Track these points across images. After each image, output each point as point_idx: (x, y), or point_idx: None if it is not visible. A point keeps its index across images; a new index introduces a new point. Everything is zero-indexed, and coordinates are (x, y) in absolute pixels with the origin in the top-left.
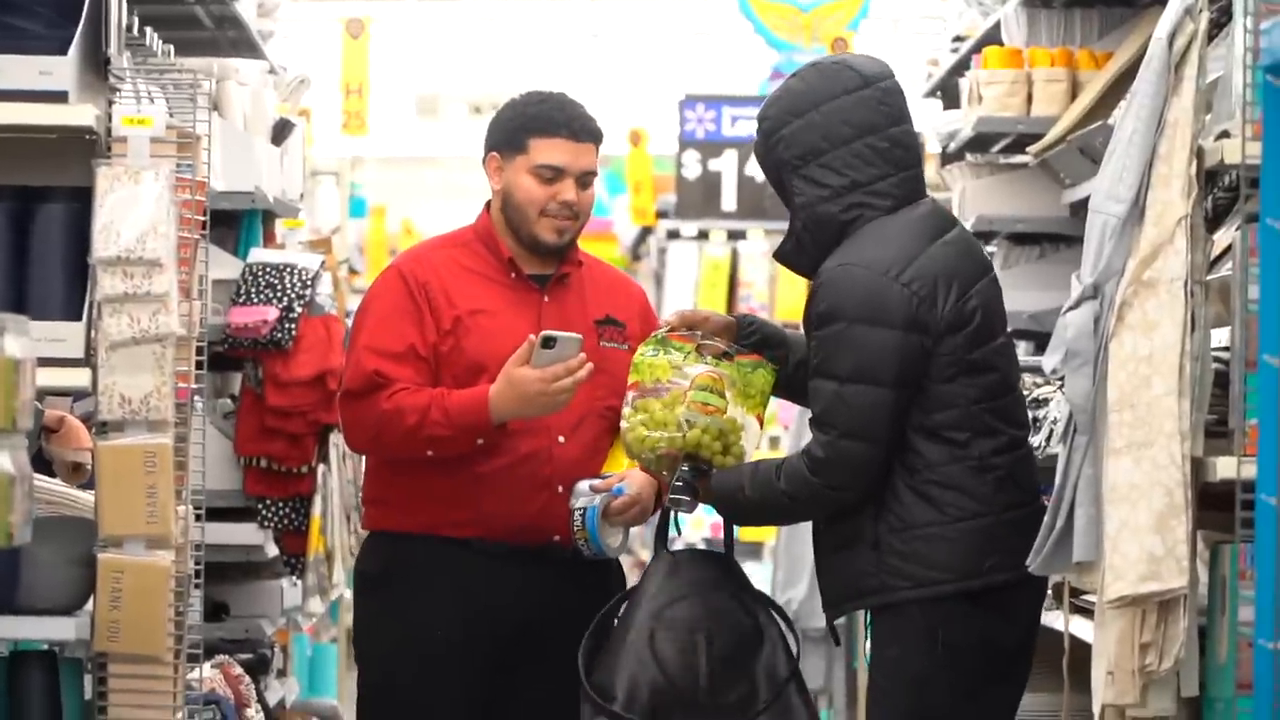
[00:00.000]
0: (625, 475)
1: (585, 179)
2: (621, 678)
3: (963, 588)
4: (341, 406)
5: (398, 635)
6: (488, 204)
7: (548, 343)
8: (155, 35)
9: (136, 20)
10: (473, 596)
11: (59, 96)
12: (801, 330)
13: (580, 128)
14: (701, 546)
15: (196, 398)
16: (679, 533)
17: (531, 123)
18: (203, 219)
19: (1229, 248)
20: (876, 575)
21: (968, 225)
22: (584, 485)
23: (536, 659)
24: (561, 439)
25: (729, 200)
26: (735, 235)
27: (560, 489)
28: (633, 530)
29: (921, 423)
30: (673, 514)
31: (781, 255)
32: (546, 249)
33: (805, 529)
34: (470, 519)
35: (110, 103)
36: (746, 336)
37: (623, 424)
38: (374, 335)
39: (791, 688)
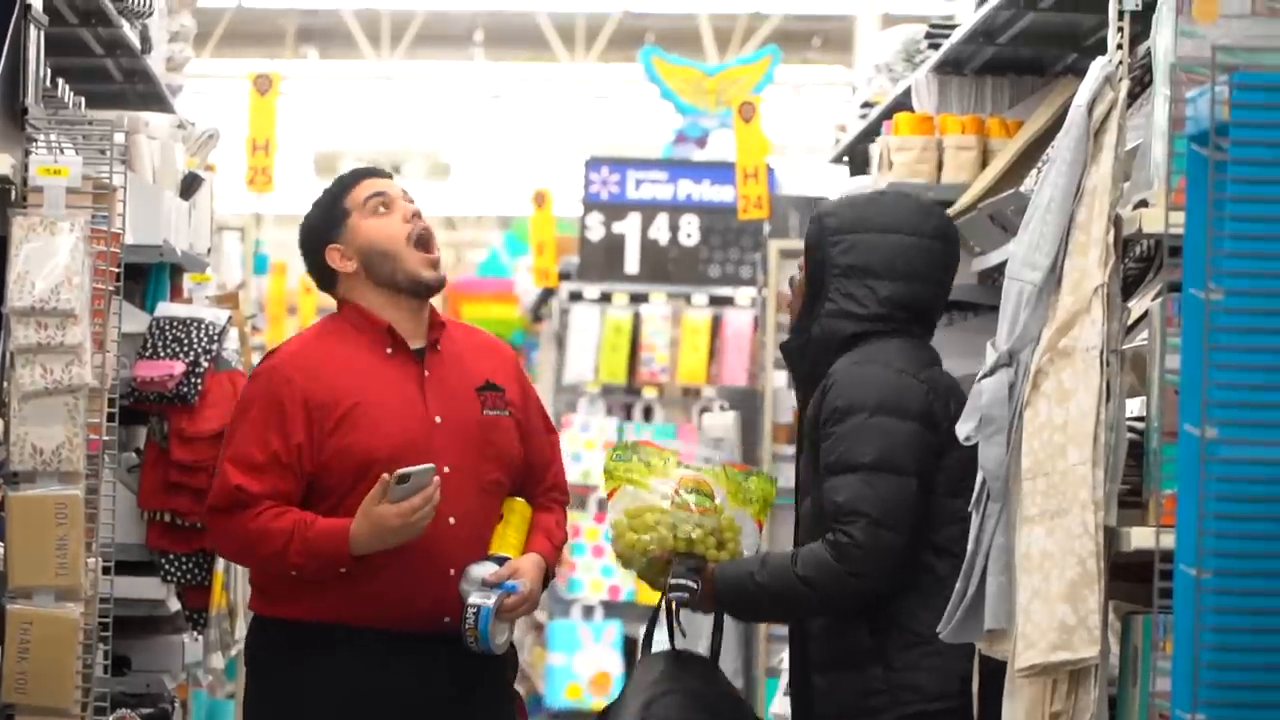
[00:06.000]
0: (517, 568)
1: (411, 206)
2: None
3: (964, 701)
4: (208, 520)
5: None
6: (340, 301)
7: (402, 479)
8: (66, 87)
9: (49, 71)
10: (362, 681)
11: None
12: None
13: (371, 170)
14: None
15: (107, 450)
16: (684, 634)
17: (335, 195)
18: (117, 270)
19: (1141, 317)
20: (888, 692)
21: None
22: (476, 573)
23: None
24: (452, 520)
25: (632, 263)
26: (638, 298)
27: (452, 572)
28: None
29: (932, 539)
30: (676, 613)
31: (788, 348)
32: (427, 285)
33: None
34: (362, 609)
35: (27, 152)
36: None
37: (611, 533)
38: (239, 446)
39: None
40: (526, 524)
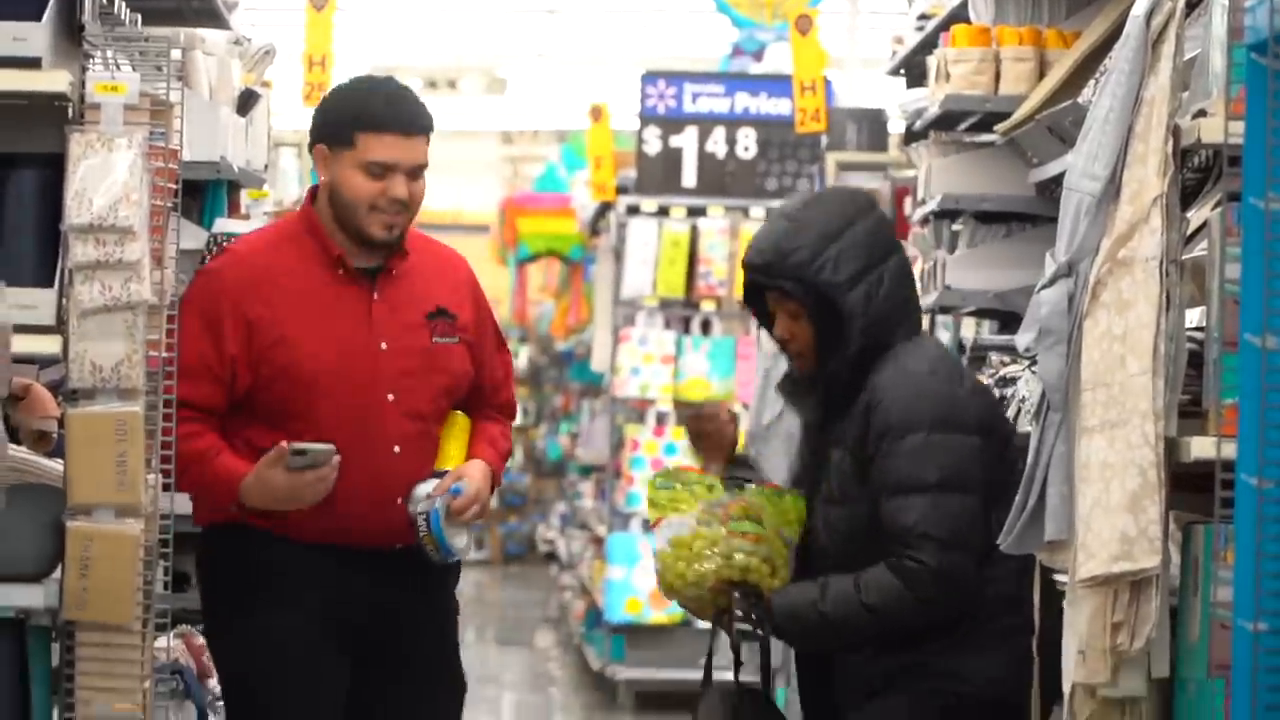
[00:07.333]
0: (461, 472)
1: (415, 172)
2: None
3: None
4: None
5: (251, 633)
6: (313, 191)
7: (299, 453)
8: (123, 4)
9: None
10: (321, 597)
11: (32, 63)
12: None
13: (410, 122)
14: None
15: (166, 367)
16: (742, 663)
17: (360, 117)
18: (175, 187)
19: (1201, 227)
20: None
21: (934, 203)
22: (420, 490)
23: (389, 655)
24: (397, 449)
25: (689, 176)
26: (695, 211)
27: (400, 500)
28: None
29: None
30: (738, 647)
31: (831, 379)
32: (375, 244)
33: None
34: (311, 531)
35: (84, 69)
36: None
37: (656, 563)
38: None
39: None
40: (466, 435)
